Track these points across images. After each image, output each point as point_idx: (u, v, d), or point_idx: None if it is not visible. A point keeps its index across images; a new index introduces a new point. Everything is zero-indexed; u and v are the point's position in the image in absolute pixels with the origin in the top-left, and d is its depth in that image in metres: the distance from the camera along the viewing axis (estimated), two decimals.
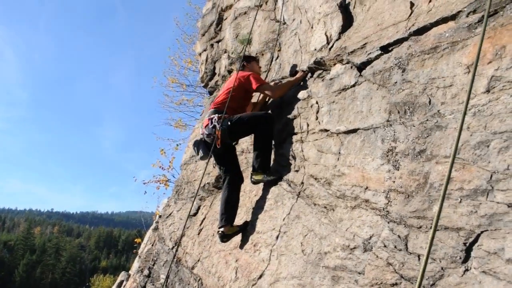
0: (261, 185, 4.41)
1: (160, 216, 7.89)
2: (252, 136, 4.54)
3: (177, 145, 13.23)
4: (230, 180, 4.47)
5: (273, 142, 4.41)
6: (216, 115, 4.38)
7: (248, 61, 5.02)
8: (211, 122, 4.37)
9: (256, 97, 5.13)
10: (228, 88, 4.57)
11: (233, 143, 4.74)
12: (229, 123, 4.26)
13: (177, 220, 6.60)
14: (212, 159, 4.73)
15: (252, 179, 4.36)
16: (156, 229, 7.73)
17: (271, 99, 4.89)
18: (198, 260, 5.06)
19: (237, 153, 4.96)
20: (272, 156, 4.41)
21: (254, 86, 4.44)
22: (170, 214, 6.99)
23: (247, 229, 4.24)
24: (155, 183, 12.07)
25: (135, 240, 10.30)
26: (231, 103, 4.41)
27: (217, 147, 4.24)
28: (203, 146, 4.49)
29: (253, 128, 4.32)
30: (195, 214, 6.09)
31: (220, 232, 4.26)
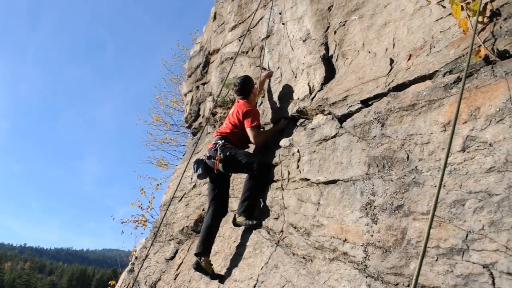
0: (240, 231, 4.35)
1: (136, 258, 7.68)
2: (243, 178, 4.54)
3: (158, 184, 13.04)
4: (215, 210, 4.50)
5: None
6: (221, 141, 4.49)
7: (251, 89, 4.97)
8: (215, 146, 4.47)
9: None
10: (230, 121, 4.69)
11: (228, 174, 4.76)
12: (227, 153, 4.33)
13: (153, 263, 6.42)
14: (205, 190, 4.74)
15: (234, 221, 4.32)
16: (131, 271, 7.50)
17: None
18: None
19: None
20: None
21: (247, 126, 4.50)
22: (146, 256, 6.81)
23: (225, 275, 4.14)
24: (133, 222, 11.81)
25: (110, 283, 9.92)
26: (234, 136, 4.60)
27: (214, 171, 4.44)
28: (203, 166, 4.57)
29: (247, 170, 4.32)
30: (172, 258, 5.95)
31: (197, 260, 4.20)
